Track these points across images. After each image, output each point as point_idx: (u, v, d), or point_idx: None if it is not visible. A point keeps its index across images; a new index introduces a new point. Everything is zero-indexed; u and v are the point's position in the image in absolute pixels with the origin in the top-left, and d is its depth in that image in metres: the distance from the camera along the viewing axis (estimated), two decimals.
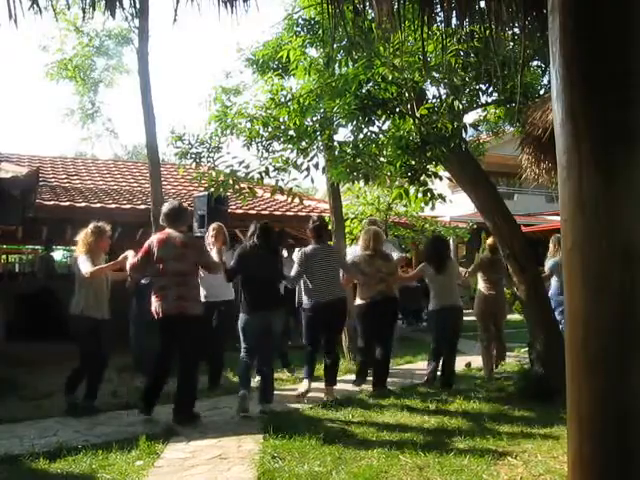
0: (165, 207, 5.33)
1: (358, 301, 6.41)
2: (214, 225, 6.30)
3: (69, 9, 9.13)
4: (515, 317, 10.28)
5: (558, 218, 2.12)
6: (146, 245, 5.14)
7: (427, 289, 7.00)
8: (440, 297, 6.43)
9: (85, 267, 5.30)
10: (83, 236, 5.51)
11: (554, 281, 7.51)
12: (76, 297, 5.45)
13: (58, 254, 23.08)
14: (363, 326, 6.37)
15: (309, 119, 5.69)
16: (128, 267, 5.23)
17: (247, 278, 5.55)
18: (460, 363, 7.80)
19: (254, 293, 5.48)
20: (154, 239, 5.17)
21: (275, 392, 5.86)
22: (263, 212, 11.03)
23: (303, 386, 5.96)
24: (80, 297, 5.42)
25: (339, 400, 5.68)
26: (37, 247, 17.25)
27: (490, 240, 7.02)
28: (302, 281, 6.09)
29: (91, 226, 5.57)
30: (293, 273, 6.06)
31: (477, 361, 7.70)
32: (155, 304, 5.05)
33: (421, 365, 7.48)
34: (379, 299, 6.18)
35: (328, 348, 6.00)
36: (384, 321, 6.30)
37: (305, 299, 6.09)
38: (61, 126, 73.84)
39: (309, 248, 6.05)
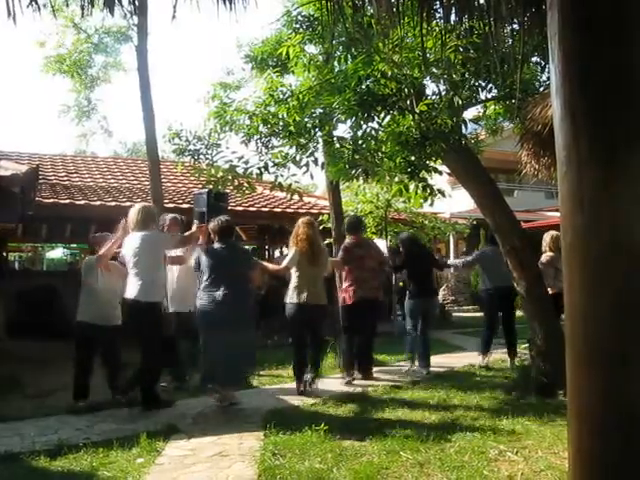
0: (347, 220, 6.99)
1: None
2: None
3: (67, 6, 9.12)
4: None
5: (558, 214, 2.12)
6: (346, 246, 6.59)
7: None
8: None
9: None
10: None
11: None
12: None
13: (58, 252, 23.14)
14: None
15: (308, 115, 5.68)
16: (334, 263, 6.56)
17: (413, 272, 7.14)
18: (463, 360, 7.83)
19: (418, 284, 7.05)
20: (352, 242, 6.61)
21: (275, 389, 5.89)
22: (263, 209, 11.04)
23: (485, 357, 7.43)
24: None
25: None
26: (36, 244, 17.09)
27: None
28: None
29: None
30: (465, 261, 8.60)
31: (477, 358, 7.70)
32: (352, 290, 6.43)
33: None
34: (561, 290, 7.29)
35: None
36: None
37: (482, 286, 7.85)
38: (60, 123, 73.75)
39: (488, 248, 7.78)
